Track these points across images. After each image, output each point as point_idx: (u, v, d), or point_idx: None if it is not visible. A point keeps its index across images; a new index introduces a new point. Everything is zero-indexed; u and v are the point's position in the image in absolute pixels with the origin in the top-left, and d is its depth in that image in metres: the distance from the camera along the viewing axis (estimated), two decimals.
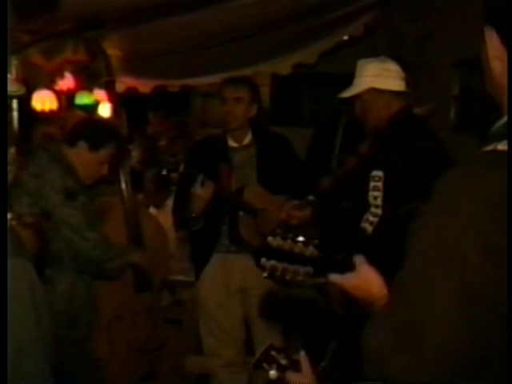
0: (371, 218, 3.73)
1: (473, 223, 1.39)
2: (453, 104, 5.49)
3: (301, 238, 2.13)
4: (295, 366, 2.13)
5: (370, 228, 3.72)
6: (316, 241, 2.14)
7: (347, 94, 4.00)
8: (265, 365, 2.16)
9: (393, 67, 3.94)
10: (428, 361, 1.42)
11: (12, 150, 3.48)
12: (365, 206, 3.77)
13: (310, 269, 2.14)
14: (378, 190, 3.69)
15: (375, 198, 3.71)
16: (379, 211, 3.69)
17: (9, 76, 2.63)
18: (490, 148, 1.47)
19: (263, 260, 2.14)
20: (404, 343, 1.46)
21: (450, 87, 5.44)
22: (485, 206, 1.39)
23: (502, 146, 1.45)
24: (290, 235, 2.13)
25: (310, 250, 2.13)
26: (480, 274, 1.38)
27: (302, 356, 2.15)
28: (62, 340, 3.83)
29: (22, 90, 2.84)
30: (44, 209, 3.73)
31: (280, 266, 2.13)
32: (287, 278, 2.14)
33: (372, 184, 3.71)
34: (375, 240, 3.63)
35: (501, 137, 1.47)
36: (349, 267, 2.15)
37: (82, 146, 4.15)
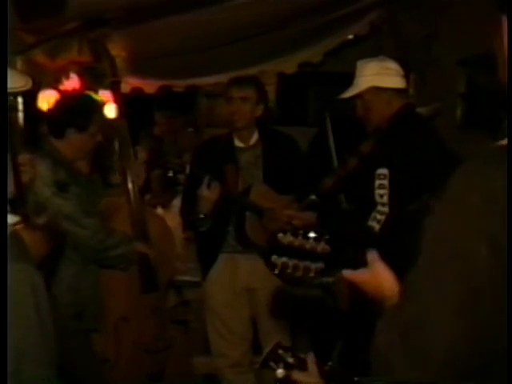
0: (378, 216, 3.73)
1: (481, 221, 1.35)
2: (459, 102, 5.47)
3: (312, 234, 2.11)
4: (302, 365, 2.12)
5: (377, 226, 3.72)
6: (327, 236, 2.12)
7: (348, 94, 4.01)
8: (272, 363, 2.14)
9: (392, 65, 3.96)
10: (434, 364, 1.39)
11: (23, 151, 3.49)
12: (370, 205, 3.77)
13: (321, 265, 2.12)
14: (384, 188, 3.69)
15: (381, 195, 3.71)
16: (386, 209, 3.70)
17: (13, 71, 2.61)
18: (502, 143, 1.42)
19: (274, 257, 2.12)
20: (410, 345, 1.42)
21: (456, 85, 5.42)
22: (493, 204, 1.35)
23: None
24: (301, 231, 2.12)
25: (322, 246, 2.11)
26: (488, 272, 1.34)
27: (310, 357, 2.14)
28: (68, 332, 3.86)
29: (29, 84, 2.82)
30: (37, 204, 3.73)
31: (291, 262, 2.11)
32: (298, 274, 2.13)
33: (377, 182, 3.72)
34: (383, 238, 3.62)
35: None
36: (361, 263, 2.14)
37: (72, 132, 4.14)
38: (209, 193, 4.42)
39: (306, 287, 4.17)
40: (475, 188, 1.37)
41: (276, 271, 2.14)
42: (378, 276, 2.10)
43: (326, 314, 4.98)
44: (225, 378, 4.84)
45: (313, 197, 4.37)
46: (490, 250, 1.34)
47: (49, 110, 4.32)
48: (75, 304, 4.13)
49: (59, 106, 4.28)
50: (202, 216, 4.50)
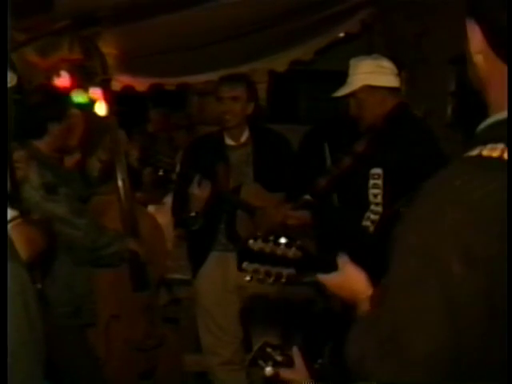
0: (372, 216, 3.72)
1: (456, 234, 1.34)
2: (449, 101, 5.48)
3: (283, 240, 2.12)
4: (291, 363, 2.13)
5: (371, 226, 3.71)
6: (298, 242, 2.13)
7: (341, 92, 4.00)
8: (260, 362, 2.15)
9: (386, 64, 3.95)
10: (416, 366, 1.38)
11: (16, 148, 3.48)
12: (363, 205, 3.76)
13: (292, 271, 2.13)
14: (378, 188, 3.69)
15: (375, 195, 3.70)
16: (379, 208, 3.69)
17: None
18: (474, 153, 1.40)
19: (245, 264, 2.13)
20: (390, 350, 1.42)
21: (446, 84, 5.44)
22: (468, 215, 1.34)
23: (488, 152, 1.38)
24: (272, 238, 2.12)
25: (293, 252, 2.12)
26: (463, 285, 1.34)
27: (295, 351, 2.15)
28: (64, 330, 3.86)
29: (14, 80, 2.82)
30: (26, 209, 3.69)
31: (262, 268, 2.12)
32: (270, 280, 2.13)
33: (371, 182, 3.71)
34: (377, 238, 3.62)
35: (485, 140, 1.40)
36: (332, 267, 2.14)
37: (53, 125, 4.12)
38: (199, 191, 4.42)
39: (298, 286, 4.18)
40: (449, 201, 1.36)
41: (248, 277, 2.14)
42: (349, 279, 2.11)
43: (317, 313, 5.00)
44: (216, 376, 4.84)
45: (307, 196, 4.36)
46: (463, 262, 1.33)
47: (25, 113, 4.29)
48: (71, 302, 4.13)
49: (34, 106, 4.25)
50: (193, 214, 4.50)
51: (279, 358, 2.16)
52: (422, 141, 3.81)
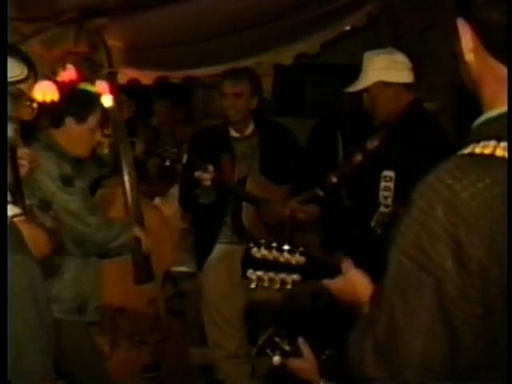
0: (381, 218, 3.70)
1: (448, 233, 1.34)
2: (455, 94, 5.47)
3: (286, 247, 2.12)
4: (299, 353, 2.13)
5: (380, 227, 3.70)
6: (301, 248, 2.13)
7: (355, 88, 3.93)
8: (268, 351, 2.15)
9: (400, 58, 3.88)
10: (413, 369, 1.39)
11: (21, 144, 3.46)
12: (373, 204, 3.74)
13: (297, 276, 2.13)
14: (389, 190, 3.67)
15: (385, 197, 3.68)
16: (389, 210, 3.67)
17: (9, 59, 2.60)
18: (467, 151, 1.42)
19: (249, 272, 2.13)
20: (387, 354, 1.43)
21: (452, 77, 5.42)
22: (460, 215, 1.34)
23: (480, 149, 1.40)
24: (275, 245, 2.12)
25: (296, 258, 2.13)
26: (457, 284, 1.34)
27: (301, 341, 2.15)
28: (69, 326, 3.86)
29: (24, 73, 2.81)
30: (42, 199, 3.69)
31: (266, 276, 2.12)
32: (275, 287, 2.13)
33: (383, 184, 3.69)
34: (385, 239, 3.60)
35: (478, 138, 1.42)
36: (336, 271, 2.15)
37: (70, 121, 4.09)
38: (205, 175, 4.37)
39: None
40: (441, 200, 1.36)
41: (252, 285, 2.14)
42: (352, 284, 2.13)
43: (323, 307, 4.99)
44: (221, 368, 4.85)
45: (320, 193, 4.31)
46: (456, 261, 1.34)
47: (51, 99, 4.27)
48: (77, 298, 4.12)
49: (60, 94, 4.24)
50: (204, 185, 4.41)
51: (287, 348, 2.16)
52: (435, 140, 3.74)
